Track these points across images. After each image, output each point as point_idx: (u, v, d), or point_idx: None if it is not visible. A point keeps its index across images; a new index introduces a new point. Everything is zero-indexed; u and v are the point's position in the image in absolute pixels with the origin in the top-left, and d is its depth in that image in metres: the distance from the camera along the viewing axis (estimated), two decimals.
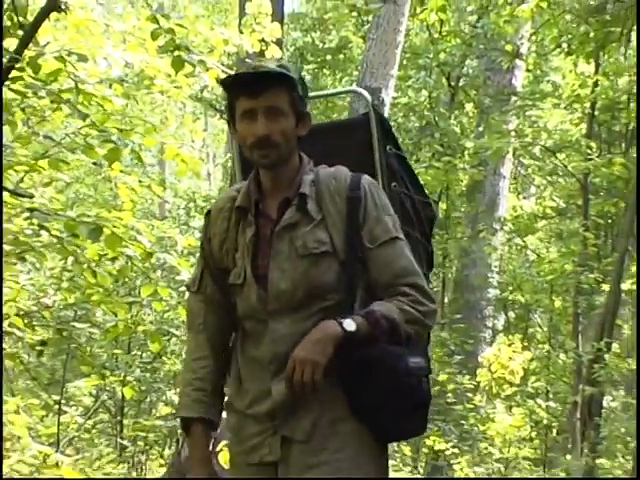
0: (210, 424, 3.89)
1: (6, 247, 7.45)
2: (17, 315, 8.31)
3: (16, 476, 8.06)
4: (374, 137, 4.14)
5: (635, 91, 14.18)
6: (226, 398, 3.98)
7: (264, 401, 3.79)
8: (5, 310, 8.23)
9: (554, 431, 13.76)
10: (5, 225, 7.31)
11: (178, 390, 3.98)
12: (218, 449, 5.96)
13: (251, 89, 3.79)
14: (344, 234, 3.82)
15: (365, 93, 4.32)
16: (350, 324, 3.66)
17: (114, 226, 7.28)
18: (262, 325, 3.83)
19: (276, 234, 3.85)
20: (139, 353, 12.21)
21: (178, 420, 4.06)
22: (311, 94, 4.18)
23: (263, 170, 3.91)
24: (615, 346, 13.52)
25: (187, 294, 4.14)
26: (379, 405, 3.72)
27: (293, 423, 3.78)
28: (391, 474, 9.28)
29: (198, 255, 4.07)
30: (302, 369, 3.61)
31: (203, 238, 4.03)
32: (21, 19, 6.54)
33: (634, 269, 13.75)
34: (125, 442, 11.75)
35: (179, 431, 11.07)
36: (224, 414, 4.04)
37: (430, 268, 4.41)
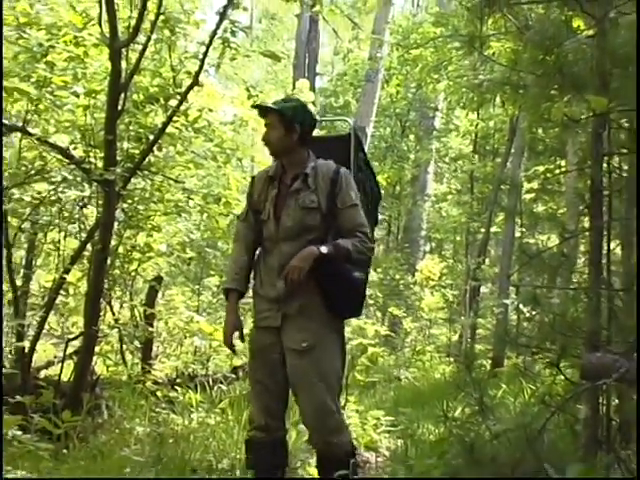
0: (240, 294, 3.83)
1: (173, 209, 7.37)
2: (177, 244, 8.24)
3: (175, 330, 7.98)
4: (351, 146, 4.00)
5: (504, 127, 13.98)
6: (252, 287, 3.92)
7: (272, 290, 3.70)
8: (171, 242, 8.15)
9: (455, 304, 13.65)
10: (169, 196, 7.21)
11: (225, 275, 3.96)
12: None
13: (262, 113, 3.83)
14: (326, 198, 3.70)
15: (350, 120, 4.19)
16: (324, 249, 3.58)
17: (227, 197, 7.20)
18: (275, 245, 3.74)
19: (288, 194, 3.76)
20: None
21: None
22: (322, 119, 4.13)
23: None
24: (487, 261, 13.42)
25: (237, 222, 4.07)
26: (340, 296, 3.65)
27: (289, 305, 3.67)
28: (368, 326, 9.17)
29: (245, 202, 3.99)
30: (294, 272, 3.55)
31: (249, 192, 3.96)
32: (178, 90, 6.41)
33: (497, 220, 13.65)
34: None
35: None
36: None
37: (375, 225, 4.19)
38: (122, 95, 5.65)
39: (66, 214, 6.81)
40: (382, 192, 4.27)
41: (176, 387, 6.45)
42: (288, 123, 3.75)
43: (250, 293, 3.97)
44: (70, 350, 6.23)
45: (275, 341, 3.70)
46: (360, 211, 3.73)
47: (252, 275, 3.91)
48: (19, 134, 6.18)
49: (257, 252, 3.91)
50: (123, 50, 5.62)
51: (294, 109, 3.81)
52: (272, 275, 3.72)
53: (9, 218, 6.11)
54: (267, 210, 3.79)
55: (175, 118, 6.31)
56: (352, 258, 3.63)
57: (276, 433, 3.75)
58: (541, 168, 10.15)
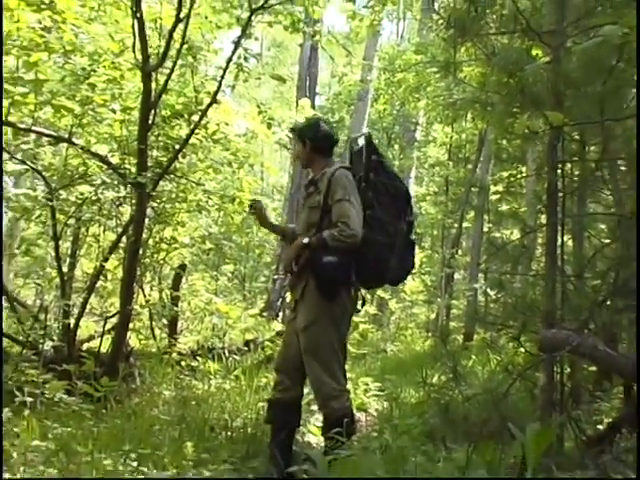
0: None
1: (195, 207, 7.32)
2: (198, 237, 8.22)
3: (196, 310, 7.96)
4: (363, 153, 3.82)
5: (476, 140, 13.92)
6: None
7: None
8: (193, 235, 8.11)
9: (432, 288, 13.60)
10: (191, 196, 7.16)
11: None
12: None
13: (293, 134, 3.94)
14: (323, 197, 3.64)
15: (366, 133, 4.03)
16: (306, 240, 3.59)
17: (241, 198, 7.17)
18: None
19: (305, 197, 3.82)
20: (252, 253, 12.08)
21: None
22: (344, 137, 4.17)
23: None
24: (459, 251, 13.39)
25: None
26: (317, 279, 3.57)
27: (295, 290, 3.70)
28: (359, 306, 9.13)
29: None
30: (283, 262, 3.68)
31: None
32: (199, 107, 6.38)
33: (468, 217, 13.57)
34: (246, 292, 11.68)
35: (269, 288, 11.07)
36: None
37: (399, 218, 3.76)
38: (152, 111, 5.64)
39: (105, 212, 6.79)
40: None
41: (197, 357, 6.45)
42: (301, 139, 3.81)
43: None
44: (108, 326, 6.23)
45: (293, 318, 3.74)
46: (345, 205, 3.57)
47: None
48: (65, 144, 6.17)
49: None
50: (153, 73, 5.61)
51: (304, 127, 3.87)
52: None
53: (57, 215, 6.11)
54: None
55: (197, 131, 6.30)
56: (328, 246, 3.52)
57: (290, 393, 3.73)
58: (505, 173, 10.10)
